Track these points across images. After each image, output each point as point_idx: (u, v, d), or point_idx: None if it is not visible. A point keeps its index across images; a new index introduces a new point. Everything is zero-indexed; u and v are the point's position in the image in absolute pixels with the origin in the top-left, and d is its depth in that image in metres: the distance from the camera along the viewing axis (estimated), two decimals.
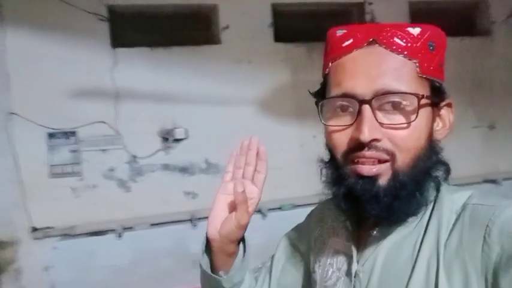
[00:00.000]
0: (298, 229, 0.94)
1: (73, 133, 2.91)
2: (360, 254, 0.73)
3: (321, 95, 0.73)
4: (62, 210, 2.84)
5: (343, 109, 0.68)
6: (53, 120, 2.86)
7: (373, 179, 0.65)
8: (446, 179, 0.71)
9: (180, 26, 3.25)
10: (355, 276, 0.72)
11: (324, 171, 0.73)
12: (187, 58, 3.09)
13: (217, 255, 0.81)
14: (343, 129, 0.68)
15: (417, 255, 0.66)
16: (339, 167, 0.69)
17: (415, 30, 0.67)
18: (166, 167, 3.03)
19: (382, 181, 0.66)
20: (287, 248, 0.92)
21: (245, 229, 0.79)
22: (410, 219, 0.69)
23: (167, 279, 2.88)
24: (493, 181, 3.50)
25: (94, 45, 2.94)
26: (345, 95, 0.67)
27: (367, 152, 0.65)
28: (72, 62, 2.88)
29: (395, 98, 0.65)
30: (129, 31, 3.17)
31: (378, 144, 0.65)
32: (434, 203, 0.69)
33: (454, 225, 0.65)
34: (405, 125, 0.65)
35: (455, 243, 0.63)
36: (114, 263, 2.83)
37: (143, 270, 2.87)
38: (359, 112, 0.65)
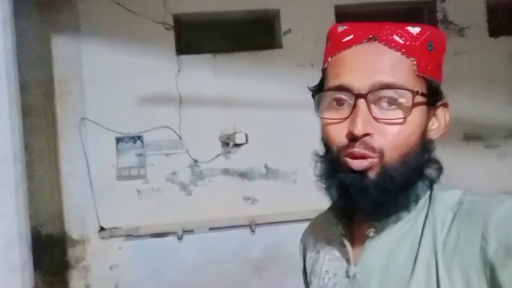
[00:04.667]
0: (299, 247, 0.94)
1: (139, 137, 3.02)
2: (357, 257, 0.72)
3: (319, 89, 0.75)
4: (127, 211, 2.95)
5: (340, 103, 0.69)
6: (121, 125, 3.00)
7: (363, 172, 0.66)
8: (438, 177, 0.71)
9: (242, 32, 3.28)
10: (353, 279, 0.72)
11: (318, 164, 0.74)
12: (249, 63, 3.09)
13: None
14: (339, 123, 0.69)
15: (416, 255, 0.66)
16: (333, 160, 0.70)
17: (415, 30, 0.69)
18: (226, 171, 3.05)
19: (372, 174, 0.66)
20: (302, 271, 0.93)
21: None
22: (405, 219, 0.69)
23: (227, 283, 2.88)
24: None
25: (159, 53, 3.04)
26: (342, 88, 0.68)
27: (356, 149, 0.66)
28: (139, 69, 3.00)
29: (391, 93, 0.66)
30: (193, 38, 3.25)
31: (368, 140, 0.66)
32: (429, 202, 0.70)
33: (451, 222, 0.65)
34: (399, 120, 0.66)
35: (453, 240, 0.63)
36: (176, 265, 2.88)
37: (203, 273, 2.89)
38: (354, 106, 0.66)
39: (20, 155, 1.77)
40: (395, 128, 0.66)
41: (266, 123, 3.04)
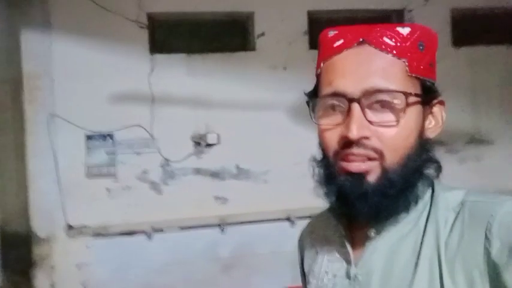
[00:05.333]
0: (297, 246, 0.94)
1: (110, 136, 3.00)
2: (358, 257, 0.72)
3: (314, 95, 0.74)
4: (96, 210, 2.92)
5: (334, 108, 0.69)
6: (91, 122, 2.96)
7: (362, 176, 0.66)
8: (437, 177, 0.72)
9: (216, 33, 3.30)
10: (354, 280, 0.71)
11: (316, 170, 0.73)
12: (223, 64, 3.12)
13: None
14: (334, 128, 0.69)
15: (418, 255, 0.66)
16: (330, 166, 0.70)
17: (405, 30, 0.68)
18: (197, 171, 3.06)
19: (371, 178, 0.66)
20: (301, 271, 0.92)
21: None
22: (406, 219, 0.69)
23: (196, 282, 2.90)
24: None
25: (133, 52, 3.03)
26: (335, 94, 0.68)
27: (355, 150, 0.66)
28: (112, 67, 2.98)
29: (384, 97, 0.66)
30: (167, 38, 3.25)
31: (367, 142, 0.66)
32: (431, 202, 0.69)
33: (453, 223, 0.65)
34: (394, 123, 0.66)
35: (456, 241, 0.63)
36: (145, 264, 2.87)
37: (173, 272, 2.89)
38: (348, 110, 0.66)
39: None
40: (392, 131, 0.66)
41: (238, 124, 3.08)
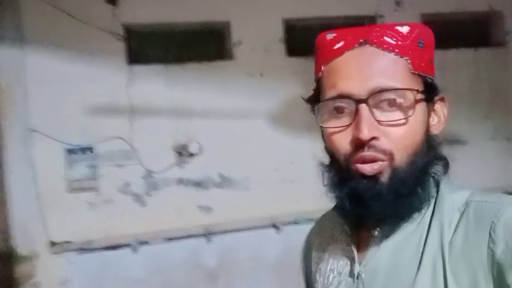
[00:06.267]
0: (303, 246, 0.95)
1: (90, 149, 2.97)
2: (362, 256, 0.72)
3: (315, 99, 0.74)
4: (79, 224, 2.88)
5: (340, 110, 0.68)
6: (71, 136, 2.93)
7: (375, 177, 0.66)
8: (445, 173, 0.72)
9: (194, 42, 3.32)
10: (357, 278, 0.71)
11: (326, 174, 0.73)
12: (201, 74, 3.14)
13: None
14: (342, 130, 0.68)
15: (422, 254, 0.66)
16: (342, 169, 0.69)
17: (404, 29, 0.69)
18: (180, 181, 3.06)
19: (384, 178, 0.66)
20: (304, 273, 0.93)
21: None
22: (411, 218, 0.69)
23: None
24: (510, 194, 3.42)
25: (110, 63, 3.01)
26: (341, 96, 0.67)
27: (366, 153, 0.65)
28: (89, 79, 2.96)
29: (391, 95, 0.66)
30: (144, 48, 3.24)
31: (376, 143, 0.65)
32: (435, 202, 0.70)
33: (458, 223, 0.65)
34: (403, 121, 0.66)
35: (460, 241, 0.63)
36: (130, 277, 2.85)
37: (159, 284, 2.88)
38: (356, 112, 0.66)
39: None
40: (400, 129, 0.65)
41: (219, 133, 3.10)
